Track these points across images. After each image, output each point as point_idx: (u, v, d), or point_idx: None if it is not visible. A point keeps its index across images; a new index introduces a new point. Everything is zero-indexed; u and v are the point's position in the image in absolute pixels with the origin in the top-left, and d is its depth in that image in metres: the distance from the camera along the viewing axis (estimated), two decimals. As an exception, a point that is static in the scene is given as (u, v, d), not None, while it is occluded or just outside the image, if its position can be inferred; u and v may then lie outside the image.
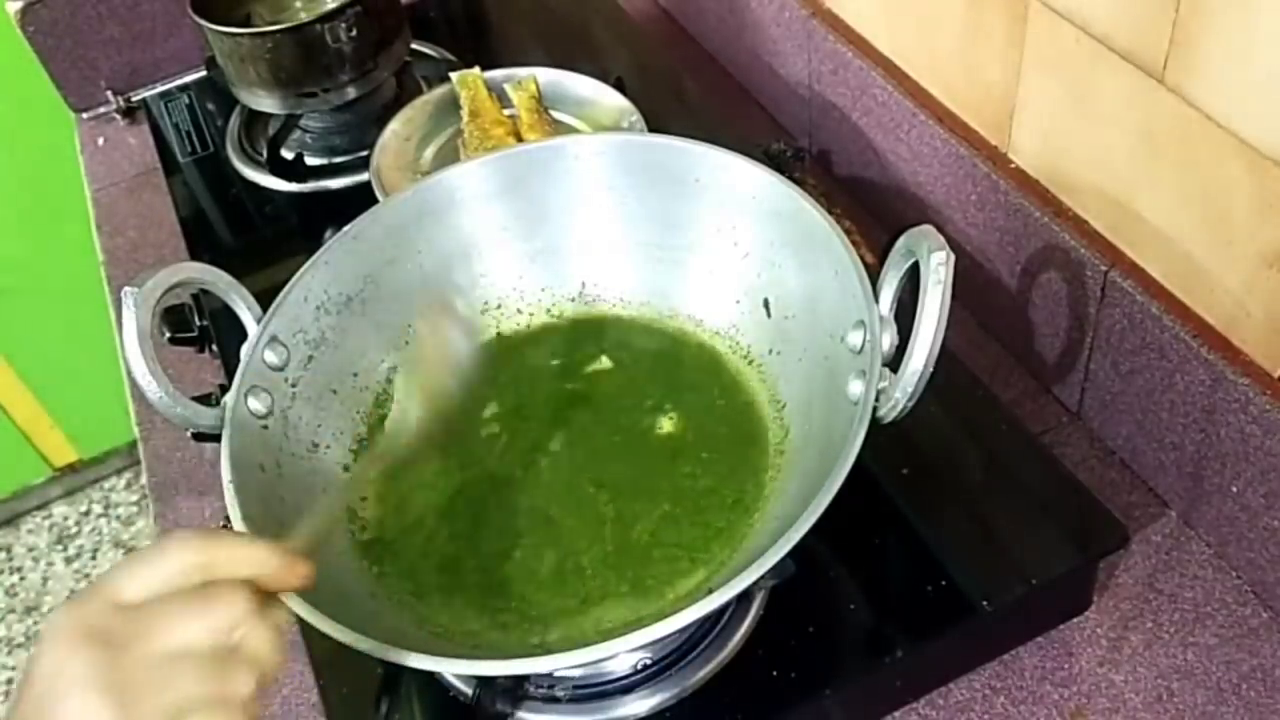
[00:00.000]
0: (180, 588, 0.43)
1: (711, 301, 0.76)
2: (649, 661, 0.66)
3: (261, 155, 1.11)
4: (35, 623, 1.97)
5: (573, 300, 0.80)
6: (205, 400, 0.65)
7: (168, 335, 0.89)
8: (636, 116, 0.98)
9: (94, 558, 2.05)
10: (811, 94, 1.01)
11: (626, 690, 0.65)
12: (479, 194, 0.76)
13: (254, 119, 1.15)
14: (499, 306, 0.79)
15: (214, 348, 0.91)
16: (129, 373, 0.65)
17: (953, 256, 0.56)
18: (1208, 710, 0.66)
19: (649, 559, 0.65)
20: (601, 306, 0.79)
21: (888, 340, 0.60)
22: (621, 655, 0.65)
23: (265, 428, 0.66)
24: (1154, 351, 0.71)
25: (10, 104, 1.59)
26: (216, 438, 0.63)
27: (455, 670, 0.64)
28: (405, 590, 0.65)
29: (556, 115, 1.02)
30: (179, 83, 1.22)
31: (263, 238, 1.08)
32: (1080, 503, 0.70)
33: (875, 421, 0.57)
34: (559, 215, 0.77)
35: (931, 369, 0.56)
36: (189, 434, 0.65)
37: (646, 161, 0.75)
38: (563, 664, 0.53)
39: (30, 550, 2.09)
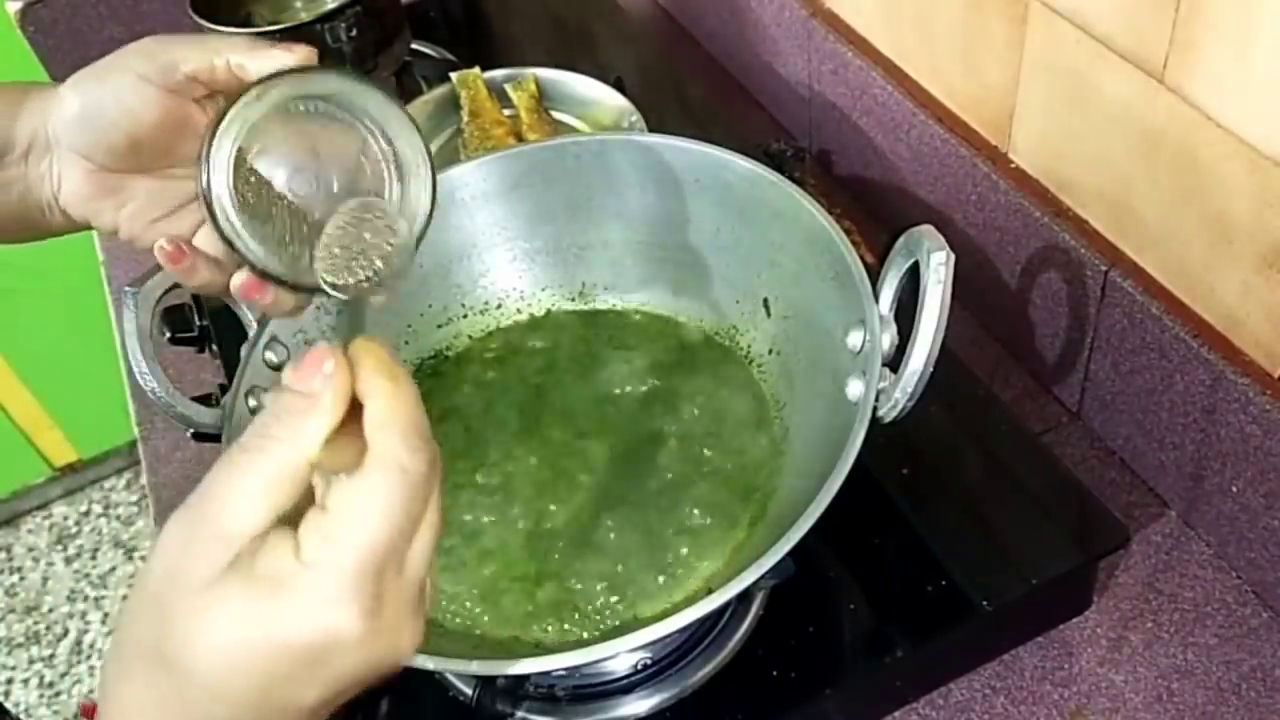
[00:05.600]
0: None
1: (711, 301, 0.76)
2: (649, 661, 0.66)
3: (261, 155, 1.11)
4: (35, 622, 1.97)
5: (573, 300, 0.80)
6: (205, 400, 0.65)
7: (168, 335, 0.89)
8: (636, 116, 0.98)
9: (94, 558, 2.06)
10: (811, 94, 1.01)
11: (626, 690, 0.65)
12: (479, 194, 0.77)
13: (254, 119, 1.15)
14: (499, 306, 0.79)
15: (214, 348, 0.91)
16: (129, 373, 0.65)
17: (953, 256, 0.56)
18: (1208, 710, 0.66)
19: (648, 559, 0.65)
20: (601, 306, 0.79)
21: (888, 340, 0.60)
22: (621, 655, 0.65)
23: (265, 428, 0.65)
24: (1154, 351, 0.71)
25: (10, 104, 1.58)
26: (216, 438, 0.63)
27: (455, 670, 0.64)
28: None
29: (556, 115, 1.02)
30: (179, 83, 1.22)
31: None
32: (1080, 503, 0.70)
33: (875, 421, 0.58)
34: (559, 215, 0.77)
35: (931, 369, 0.56)
36: (189, 434, 0.65)
37: (646, 161, 0.75)
38: (563, 664, 0.53)
39: (30, 550, 2.09)
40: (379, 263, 0.47)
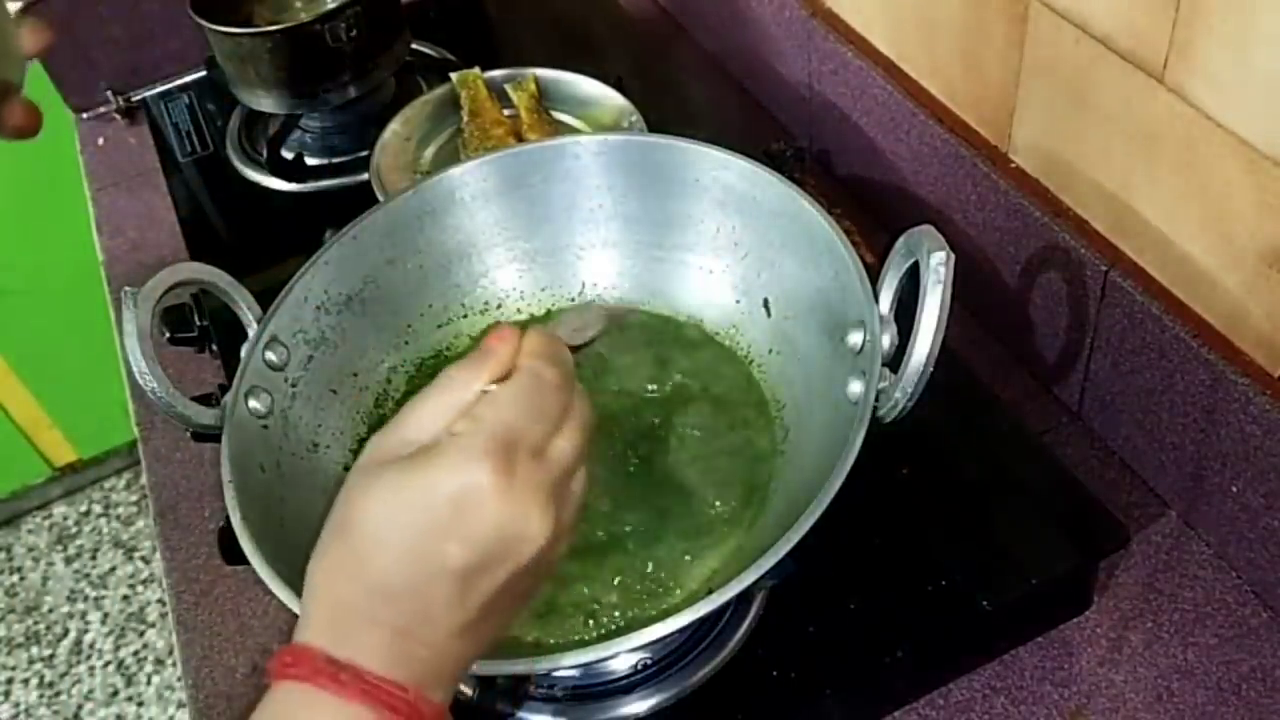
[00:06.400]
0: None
1: (711, 301, 0.76)
2: (649, 661, 0.66)
3: (261, 155, 1.11)
4: (35, 622, 1.97)
5: (573, 300, 0.80)
6: (205, 400, 0.65)
7: (168, 335, 0.89)
8: (636, 116, 0.98)
9: (94, 558, 2.06)
10: (811, 94, 1.01)
11: (626, 690, 0.65)
12: (479, 194, 0.77)
13: (254, 119, 1.15)
14: (499, 306, 0.79)
15: (214, 348, 0.91)
16: (129, 373, 0.65)
17: (953, 256, 0.56)
18: (1208, 710, 0.66)
19: (649, 559, 0.65)
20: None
21: (888, 340, 0.60)
22: (621, 655, 0.65)
23: (265, 428, 0.66)
24: (1154, 351, 0.71)
25: (10, 104, 1.58)
26: (216, 438, 0.63)
27: (455, 670, 0.64)
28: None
29: (556, 115, 1.02)
30: (179, 83, 1.22)
31: (263, 238, 1.08)
32: (1080, 503, 0.71)
33: (875, 421, 0.58)
34: (559, 215, 0.77)
35: (931, 369, 0.56)
36: (189, 434, 0.65)
37: (646, 161, 0.75)
38: (563, 664, 0.53)
39: (30, 550, 2.09)
40: None
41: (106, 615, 1.97)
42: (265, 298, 0.69)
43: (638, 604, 0.63)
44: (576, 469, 0.47)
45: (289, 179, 1.08)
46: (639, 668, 0.66)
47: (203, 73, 1.16)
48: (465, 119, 1.02)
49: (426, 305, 0.77)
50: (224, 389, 0.66)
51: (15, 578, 2.05)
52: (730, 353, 0.75)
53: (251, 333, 0.68)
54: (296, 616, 0.51)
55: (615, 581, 0.64)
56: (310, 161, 1.10)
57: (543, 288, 0.79)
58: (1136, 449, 0.77)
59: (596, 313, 0.59)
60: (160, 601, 1.97)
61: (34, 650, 1.94)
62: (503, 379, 0.46)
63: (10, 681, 1.90)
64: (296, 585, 0.54)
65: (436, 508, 0.42)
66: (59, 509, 2.15)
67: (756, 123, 1.10)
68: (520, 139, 0.98)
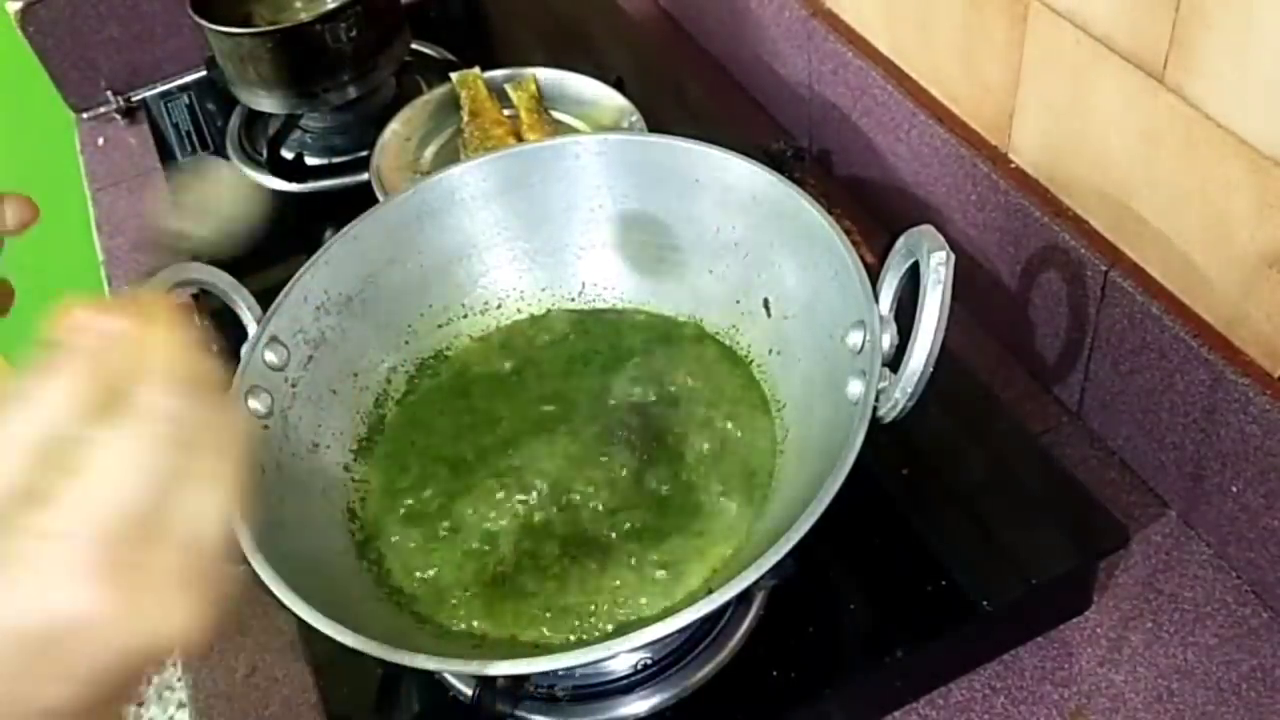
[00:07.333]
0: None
1: (711, 301, 0.76)
2: (649, 661, 0.66)
3: (261, 155, 1.11)
4: (35, 623, 1.97)
5: (573, 300, 0.80)
6: (205, 400, 0.65)
7: (168, 335, 0.88)
8: (636, 116, 0.98)
9: (94, 558, 2.05)
10: (811, 94, 1.01)
11: (626, 690, 0.65)
12: (479, 194, 0.77)
13: (254, 119, 1.15)
14: (499, 306, 0.79)
15: (214, 348, 0.91)
16: (129, 373, 0.65)
17: (953, 256, 0.56)
18: (1208, 710, 0.66)
19: (649, 559, 0.65)
20: (601, 306, 0.79)
21: (888, 340, 0.60)
22: (621, 655, 0.65)
23: (265, 428, 0.66)
24: (1154, 351, 0.71)
25: (10, 104, 1.59)
26: (216, 438, 0.63)
27: (455, 670, 0.64)
28: (404, 590, 0.65)
29: (556, 115, 1.02)
30: (179, 83, 1.22)
31: (263, 238, 1.08)
32: (1080, 503, 0.70)
33: (875, 421, 0.58)
34: (559, 215, 0.78)
35: (931, 369, 0.57)
36: (189, 434, 0.65)
37: (646, 161, 0.75)
38: (563, 664, 0.53)
39: (30, 550, 2.09)
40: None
41: (106, 615, 1.97)
42: (265, 298, 0.69)
43: (637, 604, 0.63)
44: (212, 514, 0.34)
45: (289, 179, 1.08)
46: (639, 668, 0.66)
47: (203, 73, 1.16)
48: (465, 119, 1.02)
49: (426, 305, 0.77)
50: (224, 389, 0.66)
51: (15, 578, 2.05)
52: (730, 353, 0.75)
53: (251, 333, 0.68)
54: (296, 617, 0.51)
55: (615, 581, 0.64)
56: (310, 161, 1.10)
57: (543, 288, 0.80)
58: (1136, 449, 0.77)
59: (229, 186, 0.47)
60: (160, 601, 1.96)
61: (34, 650, 1.94)
62: (109, 405, 0.33)
63: (10, 681, 1.90)
64: (297, 585, 0.54)
65: (24, 647, 0.31)
66: (59, 509, 2.15)
67: (756, 123, 1.10)
68: (520, 139, 0.98)
